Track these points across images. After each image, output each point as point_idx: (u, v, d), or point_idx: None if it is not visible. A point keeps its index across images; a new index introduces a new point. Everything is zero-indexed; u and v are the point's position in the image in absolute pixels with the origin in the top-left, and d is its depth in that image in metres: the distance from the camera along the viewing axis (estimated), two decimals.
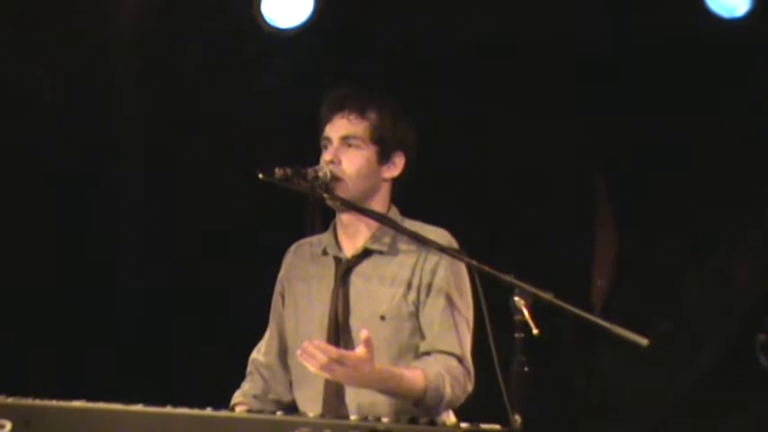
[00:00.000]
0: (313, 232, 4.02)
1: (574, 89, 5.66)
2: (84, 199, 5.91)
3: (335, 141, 3.83)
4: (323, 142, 3.86)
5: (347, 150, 3.81)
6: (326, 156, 3.81)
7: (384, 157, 3.85)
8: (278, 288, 3.99)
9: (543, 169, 5.70)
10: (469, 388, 3.76)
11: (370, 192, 3.84)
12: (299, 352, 3.51)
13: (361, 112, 3.82)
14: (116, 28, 5.85)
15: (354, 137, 3.82)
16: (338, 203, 3.81)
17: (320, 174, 3.75)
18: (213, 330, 5.83)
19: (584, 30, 5.60)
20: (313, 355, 3.48)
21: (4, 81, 5.76)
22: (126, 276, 6.02)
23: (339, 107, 3.84)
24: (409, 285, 3.78)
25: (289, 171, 3.66)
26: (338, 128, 3.83)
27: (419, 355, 3.76)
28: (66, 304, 5.80)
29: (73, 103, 5.83)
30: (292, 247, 4.03)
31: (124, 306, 6.01)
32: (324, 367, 3.48)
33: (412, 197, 3.93)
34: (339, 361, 3.48)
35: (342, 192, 3.77)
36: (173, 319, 5.93)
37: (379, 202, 3.87)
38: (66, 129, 5.82)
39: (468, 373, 3.76)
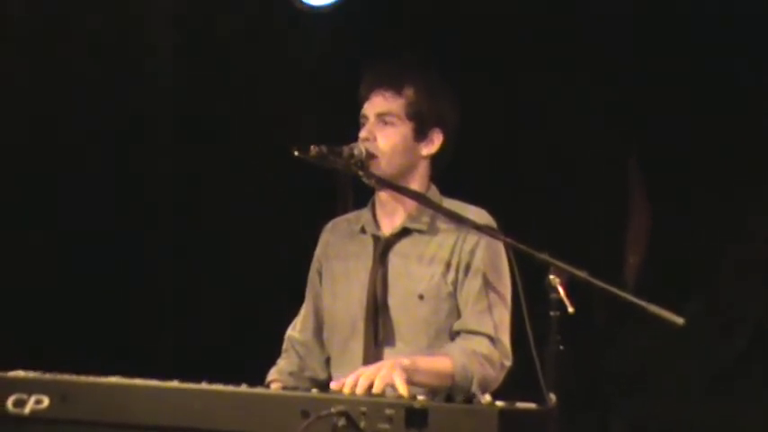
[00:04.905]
0: (345, 211, 4.02)
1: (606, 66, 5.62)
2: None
3: (371, 118, 3.82)
4: (361, 120, 3.85)
5: (383, 128, 3.80)
6: (362, 133, 3.81)
7: (421, 134, 3.82)
8: (314, 265, 3.98)
9: (576, 149, 5.66)
10: (507, 364, 3.74)
11: (407, 169, 3.83)
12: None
13: (398, 89, 3.81)
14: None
15: (390, 114, 3.80)
16: (374, 181, 3.80)
17: (355, 152, 3.74)
18: (249, 309, 5.84)
19: None
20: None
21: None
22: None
23: (376, 84, 3.83)
24: (448, 265, 3.77)
25: (324, 149, 3.65)
26: (374, 105, 3.83)
27: (452, 334, 3.76)
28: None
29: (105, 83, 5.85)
30: (329, 225, 4.02)
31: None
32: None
33: (446, 176, 3.91)
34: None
35: (377, 169, 3.76)
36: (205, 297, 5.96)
37: (418, 180, 3.85)
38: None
39: (504, 352, 3.74)
